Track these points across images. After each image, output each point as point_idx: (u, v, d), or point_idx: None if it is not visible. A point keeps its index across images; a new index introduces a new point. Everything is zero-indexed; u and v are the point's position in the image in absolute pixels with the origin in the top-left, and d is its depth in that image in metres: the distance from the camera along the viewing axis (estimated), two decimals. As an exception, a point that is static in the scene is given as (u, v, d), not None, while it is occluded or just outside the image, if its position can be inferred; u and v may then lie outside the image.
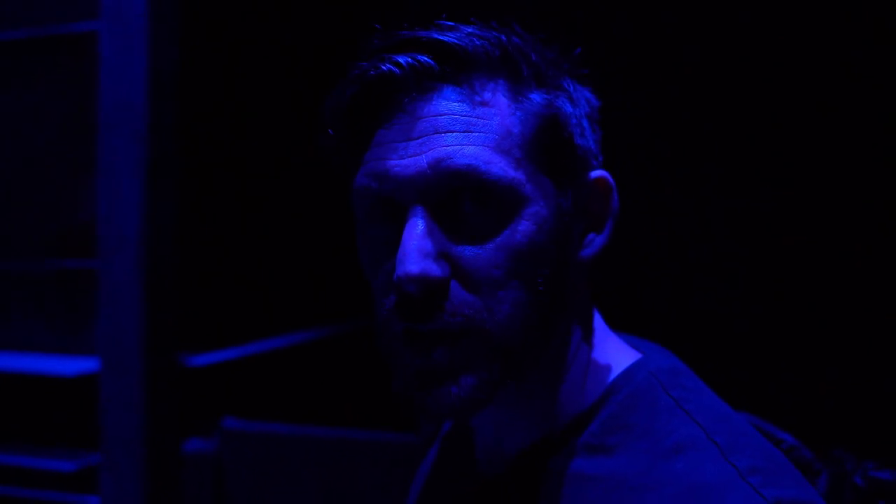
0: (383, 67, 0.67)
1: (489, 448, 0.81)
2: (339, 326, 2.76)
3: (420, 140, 0.67)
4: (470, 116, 0.67)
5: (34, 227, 2.31)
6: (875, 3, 1.72)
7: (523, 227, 0.68)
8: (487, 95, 0.68)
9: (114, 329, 2.09)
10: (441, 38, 0.67)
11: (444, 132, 0.67)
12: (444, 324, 0.67)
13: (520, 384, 0.74)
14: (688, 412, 0.71)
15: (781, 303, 1.82)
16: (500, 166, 0.67)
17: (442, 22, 0.69)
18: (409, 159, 0.67)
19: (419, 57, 0.67)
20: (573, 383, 0.76)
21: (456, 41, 0.67)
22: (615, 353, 0.78)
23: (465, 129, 0.67)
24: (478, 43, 0.68)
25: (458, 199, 0.68)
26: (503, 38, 0.69)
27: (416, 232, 0.67)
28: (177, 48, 2.14)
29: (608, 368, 0.77)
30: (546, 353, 0.74)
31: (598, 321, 0.80)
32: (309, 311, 2.70)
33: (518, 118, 0.68)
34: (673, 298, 1.83)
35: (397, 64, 0.67)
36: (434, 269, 0.66)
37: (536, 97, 0.70)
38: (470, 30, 0.69)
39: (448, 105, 0.68)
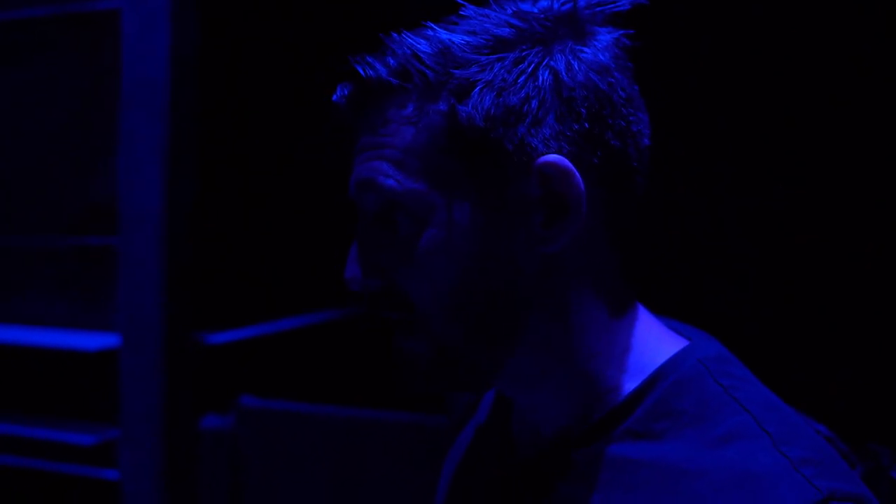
0: (334, 97, 0.76)
1: (525, 429, 0.82)
2: (356, 306, 2.75)
3: (354, 161, 0.75)
4: (377, 136, 0.73)
5: (56, 204, 2.33)
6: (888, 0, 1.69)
7: (431, 234, 0.72)
8: (392, 113, 0.73)
9: (134, 305, 2.11)
10: (359, 69, 0.73)
11: (361, 152, 0.74)
12: (394, 317, 0.76)
13: (533, 368, 0.76)
14: (738, 400, 0.71)
15: (793, 302, 1.80)
16: (398, 179, 0.71)
17: (385, 38, 0.74)
18: (350, 177, 0.76)
19: (347, 88, 0.74)
20: (611, 367, 0.75)
21: (363, 70, 0.73)
22: (659, 339, 0.78)
23: (372, 146, 0.73)
24: (381, 69, 0.72)
25: (384, 212, 0.74)
26: (409, 52, 0.72)
27: (355, 240, 0.77)
28: (198, 26, 2.14)
29: (652, 354, 0.76)
30: (527, 345, 0.75)
31: (639, 306, 0.79)
32: (328, 290, 2.70)
33: (418, 131, 0.72)
34: (684, 297, 1.82)
35: (338, 95, 0.76)
36: (360, 275, 0.76)
37: (441, 106, 0.71)
38: (395, 46, 0.73)
39: (366, 128, 0.74)
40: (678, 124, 1.82)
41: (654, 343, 0.77)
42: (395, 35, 0.73)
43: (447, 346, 0.74)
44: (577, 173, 0.69)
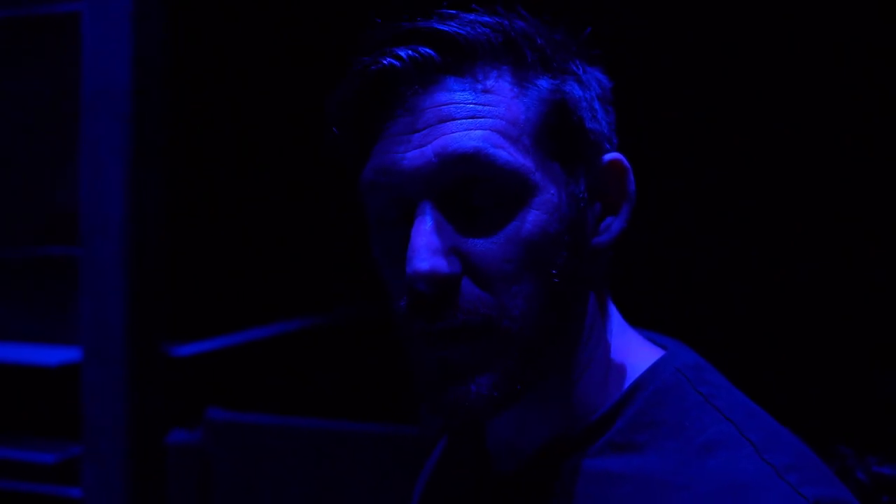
0: (384, 62, 0.67)
1: (503, 443, 0.79)
2: (325, 316, 2.74)
3: (425, 131, 0.67)
4: (475, 104, 0.67)
5: (14, 213, 2.28)
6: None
7: (534, 216, 0.67)
8: (491, 83, 0.67)
9: (96, 318, 2.07)
10: (441, 27, 0.66)
11: (449, 120, 0.66)
12: (458, 322, 0.66)
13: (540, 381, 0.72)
14: (718, 409, 0.70)
15: (783, 301, 1.82)
16: (509, 151, 0.66)
17: (443, 10, 0.69)
18: (415, 150, 0.67)
19: (420, 49, 0.67)
20: (593, 379, 0.74)
21: (456, 30, 0.66)
22: (638, 349, 0.77)
23: (471, 116, 0.66)
24: (479, 31, 0.67)
25: (467, 189, 0.67)
26: (506, 23, 0.68)
27: (425, 228, 0.66)
28: (162, 29, 2.11)
29: (632, 365, 0.75)
30: (564, 347, 0.72)
31: (617, 316, 0.78)
32: (295, 300, 2.68)
33: (524, 104, 0.68)
34: (675, 293, 1.82)
35: (398, 57, 0.67)
36: (443, 265, 0.65)
37: (543, 83, 0.69)
38: (472, 17, 0.68)
39: (452, 95, 0.67)
40: (677, 123, 1.84)
41: (633, 353, 0.76)
42: (476, 7, 0.70)
43: (522, 337, 0.67)
44: (631, 172, 0.73)
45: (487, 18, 0.68)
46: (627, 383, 0.73)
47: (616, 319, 0.78)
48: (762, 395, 0.84)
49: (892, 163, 1.74)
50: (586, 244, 0.71)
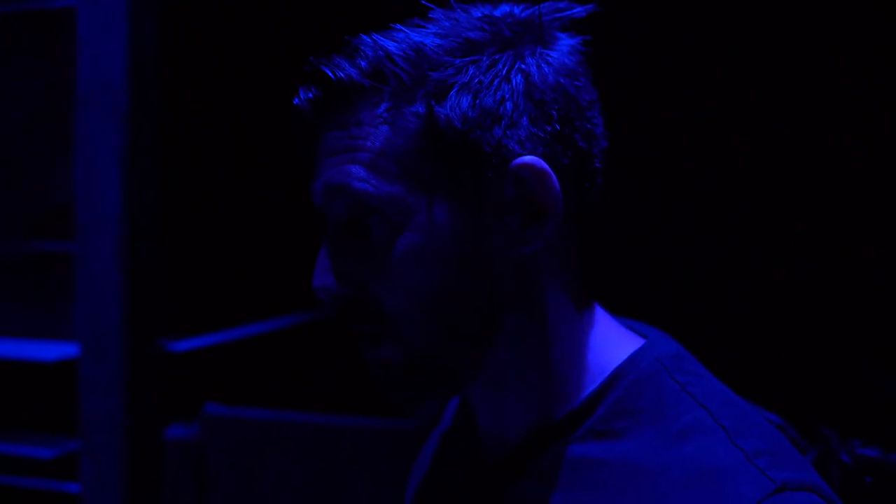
0: (294, 100, 0.75)
1: (489, 433, 0.82)
2: (323, 311, 2.73)
3: (321, 164, 0.75)
4: (347, 138, 0.72)
5: (10, 209, 2.28)
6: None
7: (407, 239, 0.71)
8: (363, 116, 0.72)
9: (93, 313, 2.06)
10: (323, 67, 0.72)
11: (331, 155, 0.73)
12: (363, 329, 0.75)
13: (505, 371, 0.76)
14: (693, 396, 0.73)
15: (783, 301, 1.82)
16: (372, 183, 0.71)
17: (352, 39, 0.73)
18: (315, 182, 0.75)
19: (312, 89, 0.74)
20: (572, 369, 0.76)
21: (331, 69, 0.72)
22: (617, 339, 0.79)
23: (345, 150, 0.72)
24: (356, 64, 0.72)
25: (355, 217, 0.73)
26: (381, 53, 0.72)
27: (324, 249, 0.76)
28: (156, 24, 2.10)
29: (611, 354, 0.77)
30: (497, 347, 0.75)
31: (595, 307, 0.80)
32: (293, 295, 2.67)
33: (393, 133, 0.71)
34: (675, 293, 1.82)
35: (298, 97, 0.75)
36: (332, 284, 0.74)
37: (417, 108, 0.71)
38: (368, 48, 0.72)
39: (333, 130, 0.74)
40: (676, 125, 1.83)
41: (613, 343, 0.78)
42: (363, 36, 0.73)
43: (422, 352, 0.73)
44: (552, 174, 0.71)
45: (382, 44, 0.72)
46: (608, 372, 0.76)
47: (596, 309, 0.80)
48: (762, 394, 0.84)
49: (892, 163, 1.74)
50: (498, 254, 0.73)
